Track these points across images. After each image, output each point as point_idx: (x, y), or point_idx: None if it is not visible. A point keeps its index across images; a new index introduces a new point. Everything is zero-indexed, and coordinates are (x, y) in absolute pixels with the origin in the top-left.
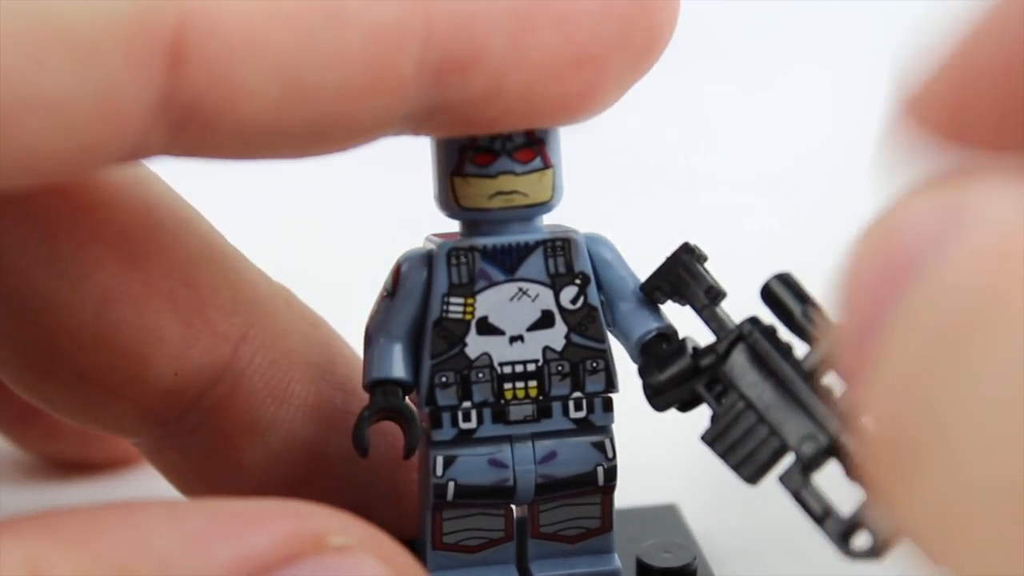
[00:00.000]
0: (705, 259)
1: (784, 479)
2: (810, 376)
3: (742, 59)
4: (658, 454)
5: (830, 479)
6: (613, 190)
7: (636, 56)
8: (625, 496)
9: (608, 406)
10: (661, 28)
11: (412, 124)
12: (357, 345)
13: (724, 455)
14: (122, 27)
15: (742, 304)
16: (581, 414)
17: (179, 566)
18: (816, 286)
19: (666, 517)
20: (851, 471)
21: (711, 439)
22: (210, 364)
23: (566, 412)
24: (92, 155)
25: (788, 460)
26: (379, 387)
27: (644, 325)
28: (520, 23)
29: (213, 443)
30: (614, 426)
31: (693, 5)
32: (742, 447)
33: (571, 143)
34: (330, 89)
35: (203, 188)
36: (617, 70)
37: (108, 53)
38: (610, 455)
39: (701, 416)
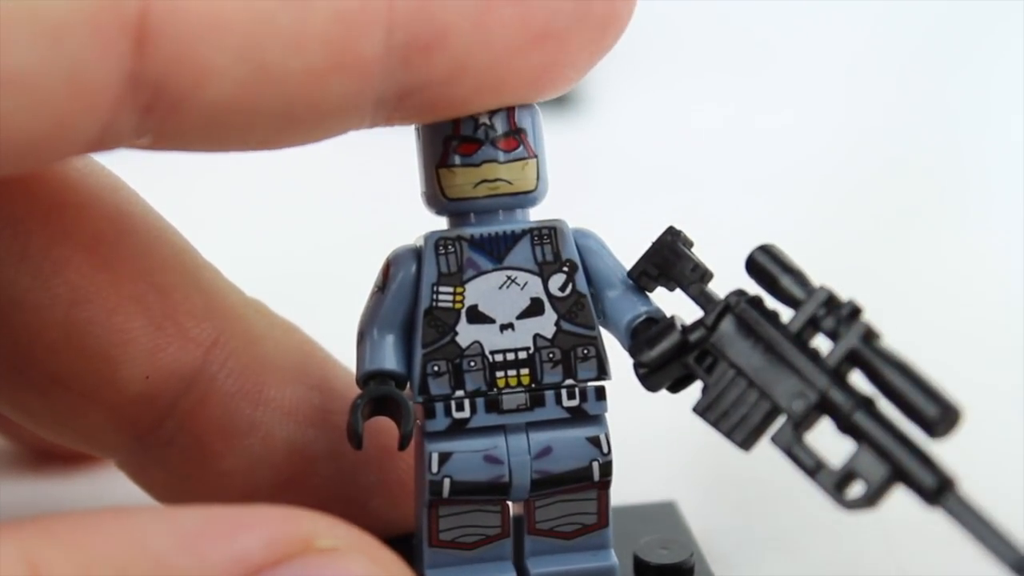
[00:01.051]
0: (691, 244)
1: (776, 438)
2: (797, 338)
3: (738, 56)
4: (657, 452)
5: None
6: (608, 191)
7: (596, 31)
8: (624, 494)
9: (601, 395)
10: (620, 3)
11: (384, 111)
12: (342, 348)
13: (716, 423)
14: (89, 5)
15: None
16: (574, 403)
17: (173, 566)
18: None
19: (664, 514)
20: (843, 424)
21: (702, 409)
22: (181, 368)
23: (559, 401)
24: (64, 135)
25: (781, 421)
26: (372, 380)
27: (633, 309)
28: (482, 2)
29: (193, 452)
30: (613, 423)
31: (692, 4)
32: (734, 413)
33: (567, 144)
34: (295, 70)
35: (186, 201)
36: (579, 45)
37: (75, 31)
38: (605, 450)
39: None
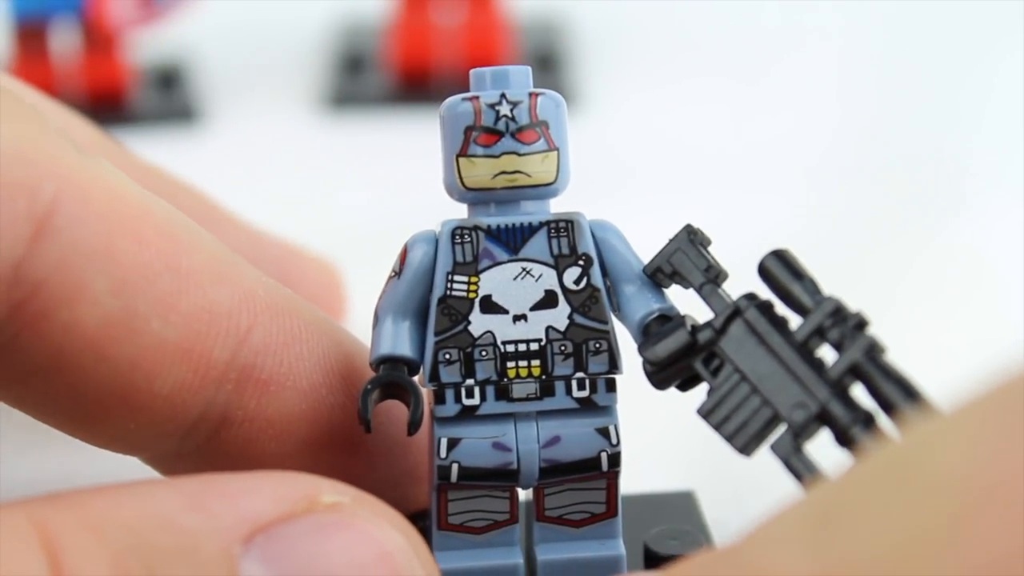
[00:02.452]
0: (708, 242)
1: (775, 446)
2: (803, 347)
3: (738, 55)
4: (680, 441)
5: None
6: (608, 190)
7: None
8: (645, 482)
9: (611, 386)
10: None
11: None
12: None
13: (718, 426)
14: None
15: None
16: (584, 393)
17: (183, 524)
18: (818, 274)
19: (682, 504)
20: (841, 437)
21: (706, 412)
22: (216, 366)
23: (569, 391)
24: None
25: (782, 430)
26: (384, 364)
27: (646, 306)
28: None
29: (238, 446)
30: (638, 411)
31: (691, 5)
32: (735, 418)
33: (584, 141)
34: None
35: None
36: None
37: None
38: (614, 441)
39: None
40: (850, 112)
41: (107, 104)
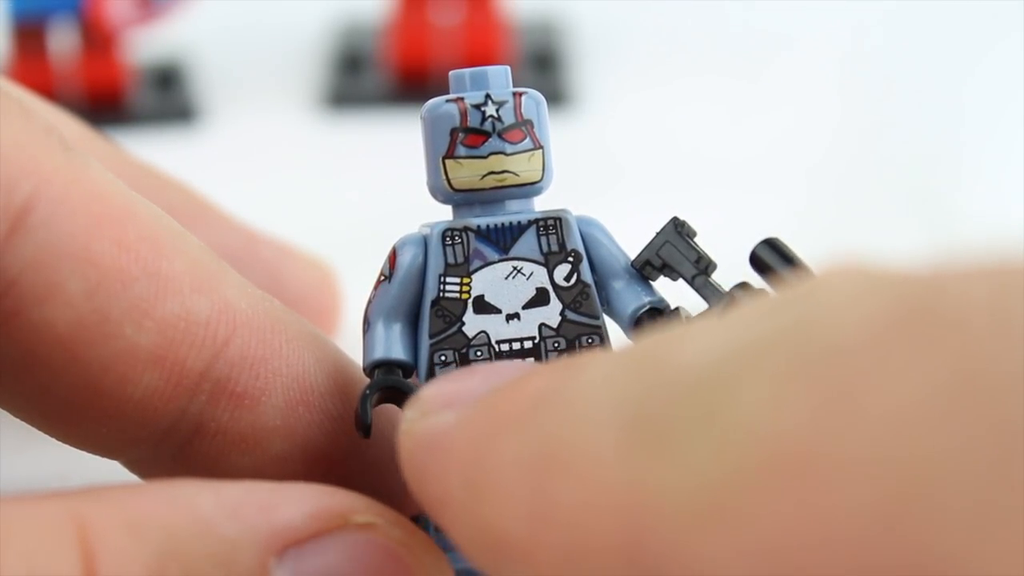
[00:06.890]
0: (694, 234)
1: None
2: None
3: (733, 55)
4: None
5: None
6: (601, 190)
7: None
8: None
9: None
10: None
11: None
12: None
13: None
14: None
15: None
16: None
17: (219, 530)
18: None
19: None
20: None
21: None
22: (190, 374)
23: None
24: None
25: None
26: (379, 368)
27: (637, 299)
28: None
29: (216, 445)
30: None
31: (686, 4)
32: None
33: (560, 142)
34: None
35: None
36: None
37: None
38: None
39: None
40: (848, 112)
41: (106, 104)
